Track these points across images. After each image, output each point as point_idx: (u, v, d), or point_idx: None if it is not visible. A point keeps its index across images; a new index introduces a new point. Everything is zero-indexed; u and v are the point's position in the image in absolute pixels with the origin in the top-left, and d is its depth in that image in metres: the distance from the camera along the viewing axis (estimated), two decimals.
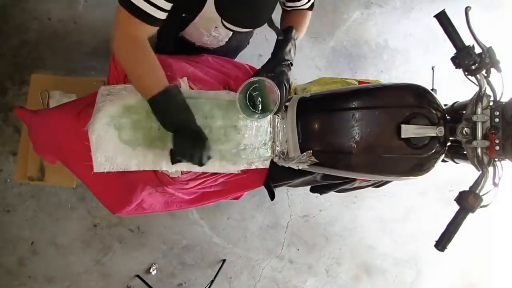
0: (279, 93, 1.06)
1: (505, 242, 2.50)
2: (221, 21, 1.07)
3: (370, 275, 2.39)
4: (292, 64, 1.16)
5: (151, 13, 0.94)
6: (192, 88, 1.18)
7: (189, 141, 1.00)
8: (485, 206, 1.02)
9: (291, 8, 1.24)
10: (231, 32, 1.23)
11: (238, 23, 1.06)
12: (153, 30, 1.01)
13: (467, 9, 1.05)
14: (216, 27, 1.18)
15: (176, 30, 1.24)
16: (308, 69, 2.32)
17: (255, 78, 1.07)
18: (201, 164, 1.01)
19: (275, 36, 1.18)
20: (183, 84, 1.16)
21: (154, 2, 0.93)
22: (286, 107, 1.19)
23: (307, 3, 1.23)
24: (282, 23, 1.25)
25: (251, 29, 1.24)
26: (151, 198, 1.27)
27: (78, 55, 2.07)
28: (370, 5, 2.45)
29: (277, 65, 1.11)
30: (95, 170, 1.09)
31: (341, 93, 1.18)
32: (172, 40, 1.31)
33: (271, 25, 1.09)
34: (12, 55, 2.03)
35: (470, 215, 1.02)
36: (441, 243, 1.03)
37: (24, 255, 2.03)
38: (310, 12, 1.27)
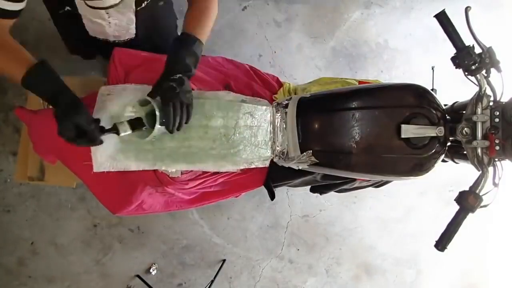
0: (157, 112, 0.96)
1: (505, 242, 2.50)
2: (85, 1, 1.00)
3: (370, 275, 2.39)
4: (189, 75, 1.02)
5: (7, 8, 0.93)
6: (192, 88, 1.18)
7: (65, 112, 0.91)
8: (485, 206, 1.02)
9: None
10: (132, 15, 1.14)
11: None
12: (7, 23, 0.98)
13: (467, 9, 1.05)
14: (108, 13, 1.10)
15: (78, 29, 1.18)
16: (308, 69, 2.32)
17: (141, 99, 1.00)
18: (89, 141, 0.93)
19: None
20: None
21: None
22: (286, 106, 1.19)
23: None
24: (185, 18, 1.09)
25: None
26: (151, 199, 1.27)
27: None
28: (370, 5, 2.45)
29: (163, 81, 0.99)
30: (95, 170, 1.09)
31: (341, 93, 1.18)
32: (83, 42, 1.26)
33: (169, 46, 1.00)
34: None
35: (470, 215, 1.02)
36: (441, 243, 1.03)
37: (24, 255, 2.03)
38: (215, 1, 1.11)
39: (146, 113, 1.03)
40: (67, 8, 1.04)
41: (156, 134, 1.00)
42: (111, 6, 1.04)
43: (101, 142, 0.95)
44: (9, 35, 0.98)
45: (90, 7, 1.02)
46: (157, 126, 0.97)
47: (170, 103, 0.97)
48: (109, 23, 1.15)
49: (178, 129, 1.01)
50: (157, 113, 0.96)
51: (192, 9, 1.10)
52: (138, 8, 1.11)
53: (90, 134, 0.92)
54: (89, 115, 0.93)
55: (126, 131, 0.97)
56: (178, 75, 0.99)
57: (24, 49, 0.96)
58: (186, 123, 1.02)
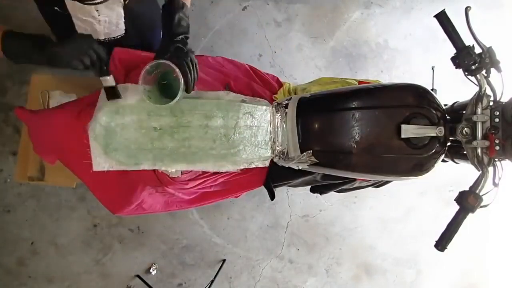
0: (179, 72, 0.98)
1: (505, 242, 2.50)
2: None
3: (370, 275, 2.39)
4: (187, 37, 1.07)
5: None
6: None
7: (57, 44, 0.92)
8: (485, 206, 1.02)
9: None
10: (121, 10, 1.15)
11: None
12: None
13: (467, 9, 1.05)
14: (97, 10, 1.11)
15: (69, 29, 1.17)
16: (308, 69, 2.32)
17: (151, 63, 1.00)
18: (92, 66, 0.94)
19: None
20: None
21: None
22: (286, 106, 1.18)
23: None
24: None
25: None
26: (151, 199, 1.27)
27: None
28: (370, 5, 2.45)
29: (170, 44, 1.02)
30: (94, 169, 1.09)
31: (341, 93, 1.17)
32: None
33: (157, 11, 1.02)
34: None
35: (470, 215, 1.02)
36: (441, 243, 1.03)
37: (24, 255, 2.03)
38: None
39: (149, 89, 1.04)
40: (56, 8, 1.04)
41: (179, 97, 1.01)
42: (101, 2, 1.03)
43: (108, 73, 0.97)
44: None
45: (80, 1, 1.01)
46: (181, 86, 0.99)
47: (184, 63, 0.99)
48: (99, 20, 1.14)
49: (192, 88, 1.03)
50: (179, 72, 0.98)
51: None
52: (126, 2, 1.11)
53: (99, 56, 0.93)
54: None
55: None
56: (180, 37, 1.03)
57: None
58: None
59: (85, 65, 0.94)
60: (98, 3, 1.04)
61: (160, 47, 1.04)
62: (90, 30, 1.19)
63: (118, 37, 1.27)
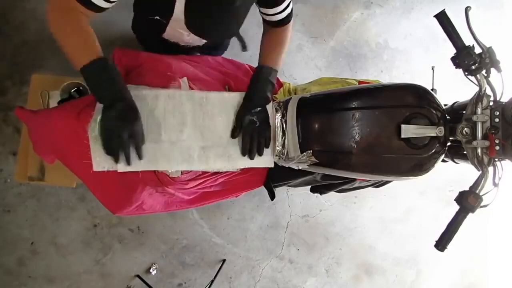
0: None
1: (505, 242, 2.50)
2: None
3: (370, 275, 2.39)
4: (268, 102, 1.15)
5: (95, 2, 0.95)
6: (192, 88, 1.18)
7: (118, 117, 0.93)
8: (485, 206, 1.02)
9: (267, 19, 1.20)
10: None
11: (204, 34, 1.05)
12: (92, 14, 0.99)
13: (467, 9, 1.05)
14: None
15: (157, 32, 1.23)
16: (308, 69, 2.32)
17: None
18: (124, 159, 0.96)
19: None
20: (183, 84, 1.16)
21: None
22: (287, 106, 1.18)
23: (281, 12, 1.17)
24: (261, 47, 1.23)
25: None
26: (151, 199, 1.27)
27: None
28: (370, 5, 2.45)
29: (245, 114, 1.12)
30: (94, 169, 1.09)
31: (341, 93, 1.17)
32: (156, 42, 1.30)
33: (239, 37, 1.09)
34: (12, 55, 2.03)
35: (470, 215, 1.02)
36: (441, 243, 1.03)
37: (24, 255, 2.03)
38: (288, 26, 1.23)
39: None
40: (157, 17, 1.09)
41: None
42: None
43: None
44: (88, 25, 0.98)
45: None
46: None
47: (248, 135, 1.11)
48: (189, 33, 1.20)
49: (249, 156, 1.13)
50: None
51: (267, 39, 1.21)
52: None
53: (125, 152, 0.96)
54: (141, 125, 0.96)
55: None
56: (258, 108, 1.12)
57: (97, 42, 0.95)
58: (259, 153, 1.14)
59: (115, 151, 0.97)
60: None
61: (238, 115, 1.13)
62: (176, 38, 1.26)
63: (189, 46, 1.34)
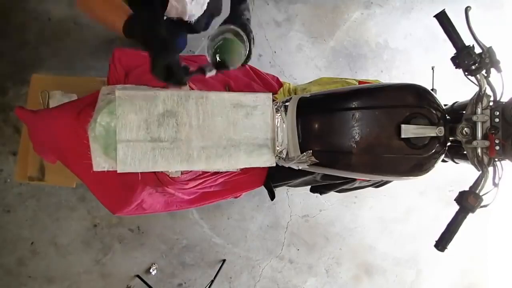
0: (246, 39, 1.03)
1: (505, 242, 2.50)
2: None
3: (370, 275, 2.39)
4: (249, 21, 1.13)
5: None
6: (192, 88, 1.18)
7: (158, 53, 0.95)
8: (485, 206, 1.02)
9: None
10: None
11: None
12: None
13: (467, 9, 1.05)
14: None
15: (160, 8, 1.22)
16: (308, 69, 2.32)
17: (226, 27, 1.04)
18: (173, 81, 0.98)
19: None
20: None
21: None
22: (286, 106, 1.18)
23: None
24: None
25: None
26: (151, 199, 1.27)
27: (78, 55, 2.07)
28: (370, 5, 2.45)
29: (238, 18, 1.09)
30: (94, 169, 1.09)
31: (341, 93, 1.17)
32: (162, 24, 1.32)
33: None
34: (12, 55, 2.03)
35: (470, 215, 1.02)
36: (441, 243, 1.03)
37: (24, 255, 2.03)
38: None
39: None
40: None
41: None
42: None
43: (185, 83, 1.00)
44: None
45: None
46: (246, 51, 1.04)
47: (251, 35, 1.07)
48: (192, 0, 1.22)
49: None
50: (248, 42, 1.04)
51: None
52: None
53: (178, 75, 0.96)
54: (178, 58, 0.98)
55: (211, 71, 1.02)
56: (246, 16, 1.10)
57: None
58: None
59: (167, 74, 0.97)
60: None
61: (227, 20, 1.10)
62: (180, 9, 1.26)
63: (194, 21, 1.35)
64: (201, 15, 1.38)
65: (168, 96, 1.10)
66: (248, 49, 1.04)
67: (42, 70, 2.02)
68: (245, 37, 1.03)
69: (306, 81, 1.55)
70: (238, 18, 1.09)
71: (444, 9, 1.07)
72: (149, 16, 1.00)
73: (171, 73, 0.95)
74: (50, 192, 2.03)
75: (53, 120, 1.17)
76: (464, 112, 1.09)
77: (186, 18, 1.32)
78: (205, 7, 1.32)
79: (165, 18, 1.31)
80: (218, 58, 1.04)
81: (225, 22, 1.09)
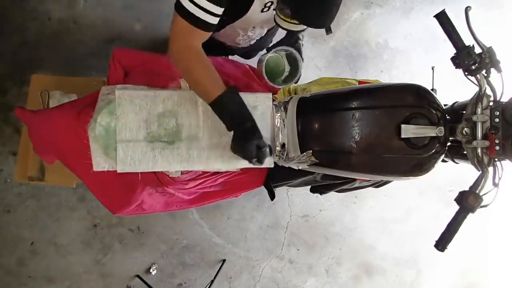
0: (301, 63, 1.19)
1: (505, 242, 2.50)
2: (274, 19, 1.07)
3: (370, 275, 2.39)
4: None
5: (206, 20, 0.97)
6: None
7: (243, 138, 1.01)
8: (485, 206, 1.02)
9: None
10: (265, 31, 1.28)
11: (307, 21, 1.04)
12: (206, 36, 1.02)
13: (467, 9, 1.05)
14: (254, 27, 1.22)
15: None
16: (308, 69, 2.32)
17: (285, 47, 1.21)
18: (260, 161, 1.03)
19: (278, 38, 1.27)
20: (183, 84, 1.16)
21: (209, 9, 0.95)
22: (286, 107, 1.18)
23: None
24: None
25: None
26: (151, 199, 1.27)
27: (78, 55, 2.07)
28: (370, 5, 2.45)
29: (295, 41, 1.24)
30: (94, 169, 1.09)
31: (341, 93, 1.17)
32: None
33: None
34: (12, 55, 2.03)
35: (470, 215, 1.01)
36: (441, 243, 1.03)
37: (24, 255, 2.03)
38: None
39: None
40: (225, 18, 1.08)
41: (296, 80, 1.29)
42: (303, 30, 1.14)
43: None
44: (208, 59, 1.04)
45: (280, 26, 1.09)
46: (300, 72, 1.28)
47: (302, 58, 1.25)
48: (244, 34, 1.28)
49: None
50: (300, 63, 1.27)
51: None
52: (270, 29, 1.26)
53: (263, 155, 1.02)
54: (264, 140, 1.04)
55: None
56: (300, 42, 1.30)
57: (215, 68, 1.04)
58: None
59: (252, 157, 1.02)
60: (299, 31, 1.20)
61: (283, 41, 1.26)
62: (230, 38, 1.33)
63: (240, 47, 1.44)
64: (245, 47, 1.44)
65: (168, 96, 1.10)
66: (300, 71, 1.19)
67: (42, 70, 2.02)
68: (300, 60, 1.20)
69: (306, 81, 1.54)
70: (295, 42, 1.24)
71: (444, 9, 1.06)
72: (242, 103, 1.02)
73: (261, 153, 1.01)
74: (50, 192, 2.03)
75: (53, 120, 1.17)
76: (464, 112, 1.08)
77: (228, 44, 1.38)
78: (252, 43, 1.38)
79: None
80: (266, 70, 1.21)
81: (281, 42, 1.22)
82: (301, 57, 1.22)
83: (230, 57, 1.58)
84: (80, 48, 2.08)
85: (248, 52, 1.51)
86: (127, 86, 1.14)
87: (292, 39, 1.23)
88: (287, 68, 1.31)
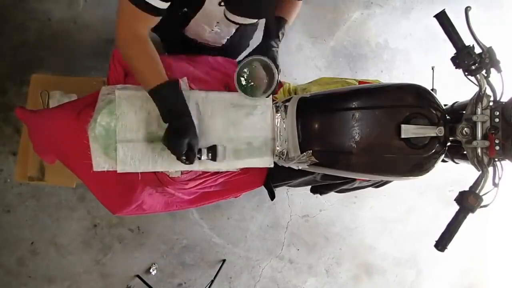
0: (276, 71, 1.11)
1: (505, 242, 2.50)
2: (224, 13, 1.08)
3: (370, 275, 2.39)
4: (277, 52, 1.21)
5: (154, 4, 0.96)
6: (192, 88, 1.18)
7: (176, 132, 1.00)
8: (485, 206, 1.02)
9: None
10: (233, 30, 1.24)
11: (242, 12, 1.06)
12: (154, 22, 1.03)
13: (467, 9, 1.05)
14: (218, 23, 1.20)
15: (179, 26, 1.25)
16: (308, 69, 2.32)
17: (256, 57, 1.12)
18: (189, 160, 1.02)
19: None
20: (183, 84, 1.16)
21: None
22: (286, 106, 1.19)
23: None
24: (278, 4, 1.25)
25: (254, 20, 1.21)
26: (151, 199, 1.27)
27: (78, 55, 2.07)
28: (370, 5, 2.45)
29: (269, 49, 1.16)
30: (94, 169, 1.09)
31: (341, 93, 1.17)
32: (176, 38, 1.33)
33: (270, 19, 1.11)
34: (12, 55, 2.03)
35: (470, 215, 1.01)
36: (441, 243, 1.03)
37: (24, 255, 2.03)
38: (300, 2, 1.27)
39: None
40: (185, 9, 1.12)
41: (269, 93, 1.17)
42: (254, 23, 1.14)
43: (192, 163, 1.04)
44: (154, 50, 1.04)
45: (229, 20, 1.11)
46: (275, 83, 1.15)
47: (278, 68, 1.17)
48: (211, 30, 1.26)
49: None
50: (275, 71, 1.15)
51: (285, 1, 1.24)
52: (240, 25, 1.21)
53: (192, 155, 1.02)
54: (197, 139, 1.04)
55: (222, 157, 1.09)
56: (277, 48, 1.20)
57: (159, 59, 1.04)
58: None
59: (183, 155, 1.02)
60: (244, 24, 1.17)
61: (258, 49, 1.18)
62: (197, 34, 1.31)
63: (213, 46, 1.39)
64: (221, 46, 1.41)
65: None
66: (276, 81, 1.13)
67: (42, 70, 2.01)
68: (274, 69, 1.12)
69: (306, 81, 1.55)
70: (269, 50, 1.15)
71: (444, 9, 1.07)
72: (182, 97, 1.03)
73: (191, 152, 1.01)
74: (50, 192, 2.04)
75: (53, 120, 1.17)
76: (464, 112, 1.09)
77: (199, 40, 1.36)
78: (224, 41, 1.35)
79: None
80: (243, 83, 1.15)
81: (256, 50, 1.17)
82: (276, 64, 1.15)
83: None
84: (80, 48, 2.08)
85: (227, 54, 1.49)
86: (127, 86, 1.14)
87: (264, 45, 1.18)
88: (266, 78, 1.22)
